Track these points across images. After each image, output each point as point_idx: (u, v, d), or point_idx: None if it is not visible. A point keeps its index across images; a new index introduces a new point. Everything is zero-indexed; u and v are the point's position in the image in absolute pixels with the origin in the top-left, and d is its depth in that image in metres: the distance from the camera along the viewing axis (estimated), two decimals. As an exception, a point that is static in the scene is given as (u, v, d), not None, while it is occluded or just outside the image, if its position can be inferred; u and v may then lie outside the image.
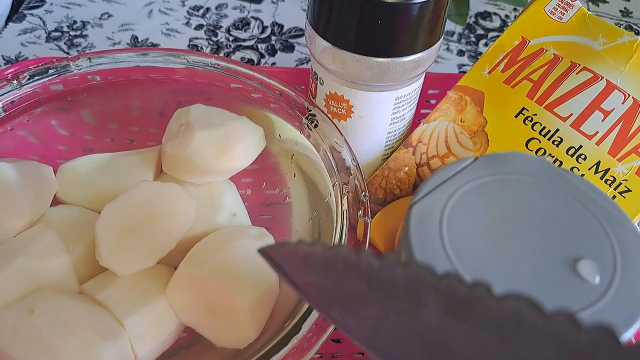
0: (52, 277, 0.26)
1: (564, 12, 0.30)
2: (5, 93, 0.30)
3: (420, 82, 0.30)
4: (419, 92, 0.31)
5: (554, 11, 0.30)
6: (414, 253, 0.16)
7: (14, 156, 0.31)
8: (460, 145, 0.30)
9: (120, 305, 0.25)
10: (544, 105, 0.28)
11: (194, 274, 0.26)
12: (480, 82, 0.30)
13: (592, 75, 0.28)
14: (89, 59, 0.32)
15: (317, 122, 0.30)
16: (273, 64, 0.48)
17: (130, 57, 0.33)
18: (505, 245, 0.16)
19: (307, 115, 0.31)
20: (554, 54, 0.29)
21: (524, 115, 0.29)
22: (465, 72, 0.49)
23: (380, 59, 0.27)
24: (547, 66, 0.29)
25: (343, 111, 0.30)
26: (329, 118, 0.30)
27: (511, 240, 0.16)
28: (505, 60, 0.30)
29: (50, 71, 0.31)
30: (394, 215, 0.31)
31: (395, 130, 0.31)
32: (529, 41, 0.30)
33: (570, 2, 0.30)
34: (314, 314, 0.23)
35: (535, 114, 0.28)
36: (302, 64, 0.48)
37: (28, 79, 0.30)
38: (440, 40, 0.29)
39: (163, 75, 0.34)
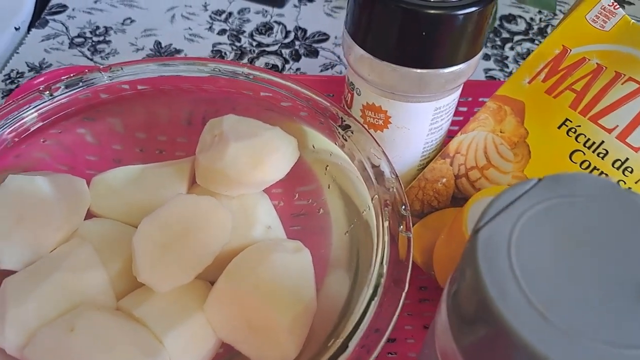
0: (89, 293, 0.26)
1: (607, 20, 0.29)
2: (39, 104, 0.29)
3: (459, 92, 0.30)
4: (457, 101, 0.30)
5: (595, 19, 0.29)
6: (484, 280, 0.15)
7: (45, 168, 0.31)
8: (501, 157, 0.29)
9: (158, 321, 0.25)
10: (588, 117, 0.28)
11: (232, 290, 0.26)
12: (520, 91, 0.30)
13: (638, 86, 0.27)
14: (121, 68, 0.32)
15: (353, 132, 0.30)
16: (297, 69, 0.47)
17: (161, 67, 0.32)
18: (576, 272, 0.15)
19: (342, 125, 0.30)
20: (597, 63, 0.28)
21: (567, 126, 0.28)
22: (493, 77, 0.49)
23: (421, 70, 0.27)
24: (590, 76, 0.28)
25: (380, 122, 0.30)
26: (366, 129, 0.30)
27: (582, 266, 0.15)
28: (546, 70, 0.29)
29: (82, 82, 0.31)
30: (431, 227, 0.30)
31: (432, 141, 0.31)
32: (570, 50, 0.29)
33: (613, 10, 0.29)
34: (360, 332, 0.23)
35: (579, 125, 0.28)
36: (327, 69, 0.48)
37: (61, 90, 0.30)
38: (482, 50, 0.28)
39: (192, 84, 0.34)
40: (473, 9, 0.25)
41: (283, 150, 0.30)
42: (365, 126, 0.30)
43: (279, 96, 0.33)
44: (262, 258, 0.27)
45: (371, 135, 0.29)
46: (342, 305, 0.26)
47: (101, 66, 0.31)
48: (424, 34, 0.25)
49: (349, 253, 0.29)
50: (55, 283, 0.25)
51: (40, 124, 0.30)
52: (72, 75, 0.31)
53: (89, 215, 0.30)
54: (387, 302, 0.24)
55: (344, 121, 0.30)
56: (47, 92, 0.30)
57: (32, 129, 0.29)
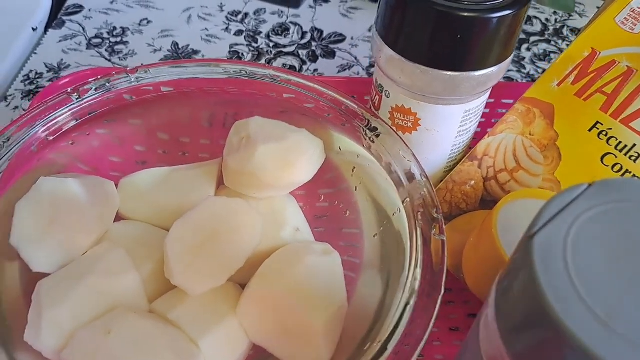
0: (123, 296, 0.26)
1: (636, 22, 0.29)
2: (69, 107, 0.29)
3: (488, 94, 0.30)
4: (485, 103, 0.30)
5: (625, 22, 0.29)
6: (541, 286, 0.15)
7: (71, 170, 0.31)
8: (530, 160, 0.29)
9: (193, 325, 0.25)
10: (619, 120, 0.28)
11: (265, 293, 0.26)
12: (549, 94, 0.30)
13: (670, 88, 0.27)
14: (148, 70, 0.32)
15: (380, 134, 0.30)
16: (315, 70, 0.47)
17: (187, 69, 0.32)
18: (633, 277, 0.15)
19: (369, 127, 0.30)
20: (627, 66, 0.28)
21: (598, 129, 0.28)
22: (510, 78, 0.49)
23: (453, 73, 0.27)
24: (620, 79, 0.28)
25: (409, 124, 0.30)
26: (394, 131, 0.30)
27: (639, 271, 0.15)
28: (575, 72, 0.29)
29: (109, 84, 0.31)
30: (460, 230, 0.30)
31: (460, 143, 0.31)
32: (600, 52, 0.29)
33: (643, 13, 0.29)
34: (397, 336, 0.23)
35: (610, 128, 0.28)
36: (345, 70, 0.48)
37: (89, 92, 0.30)
38: (513, 53, 0.28)
39: (215, 86, 0.34)
40: (508, 12, 0.25)
41: (311, 152, 0.30)
42: (394, 128, 0.30)
43: (304, 98, 0.33)
44: (294, 261, 0.27)
45: (399, 137, 0.29)
46: (375, 308, 0.26)
47: (128, 68, 0.31)
48: (459, 37, 0.25)
49: (380, 256, 0.29)
50: (90, 286, 0.25)
51: (69, 126, 0.30)
52: (99, 77, 0.31)
53: (117, 217, 0.30)
54: (422, 306, 0.24)
55: (371, 123, 0.30)
56: (75, 94, 0.30)
57: (60, 132, 0.29)
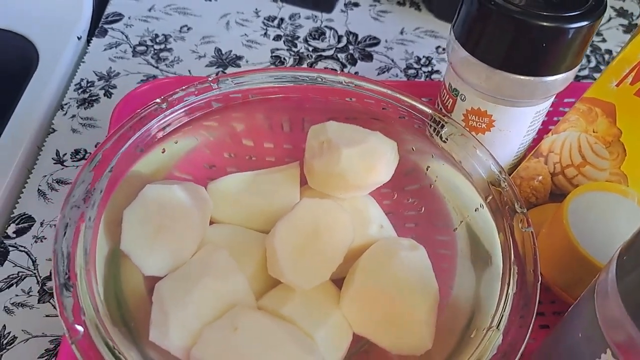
0: (235, 295, 0.27)
1: (686, 26, 0.32)
2: (160, 115, 0.31)
3: (554, 96, 0.32)
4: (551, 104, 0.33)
5: (676, 26, 0.32)
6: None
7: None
8: (596, 155, 0.31)
9: (307, 319, 0.27)
10: (678, 117, 0.30)
11: (368, 287, 0.28)
12: (609, 94, 0.32)
13: None
14: (230, 79, 0.33)
15: (453, 134, 0.32)
16: (356, 73, 0.49)
17: (267, 77, 0.34)
18: None
19: (441, 126, 0.32)
20: (681, 67, 0.31)
21: (660, 126, 0.30)
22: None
23: (531, 78, 0.29)
24: (676, 79, 0.31)
25: (483, 125, 0.32)
26: (467, 130, 0.32)
27: None
28: (633, 74, 0.32)
29: (195, 95, 0.32)
30: (532, 222, 0.32)
31: (526, 141, 0.33)
32: (654, 54, 0.32)
33: (693, 17, 0.32)
34: (504, 320, 0.25)
35: (671, 125, 0.30)
36: (383, 72, 0.49)
37: (179, 103, 0.31)
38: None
39: (283, 93, 0.35)
40: (586, 22, 0.27)
41: (388, 154, 0.32)
42: (466, 128, 0.32)
43: (377, 101, 0.34)
44: (390, 255, 0.29)
45: (473, 136, 0.31)
46: (471, 300, 0.28)
47: (210, 77, 0.33)
48: (544, 45, 0.27)
49: (466, 249, 0.31)
50: (207, 287, 0.26)
51: (160, 135, 0.31)
52: (184, 87, 0.32)
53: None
54: (522, 294, 0.26)
55: (442, 123, 0.32)
56: (165, 104, 0.31)
57: (154, 142, 0.31)
